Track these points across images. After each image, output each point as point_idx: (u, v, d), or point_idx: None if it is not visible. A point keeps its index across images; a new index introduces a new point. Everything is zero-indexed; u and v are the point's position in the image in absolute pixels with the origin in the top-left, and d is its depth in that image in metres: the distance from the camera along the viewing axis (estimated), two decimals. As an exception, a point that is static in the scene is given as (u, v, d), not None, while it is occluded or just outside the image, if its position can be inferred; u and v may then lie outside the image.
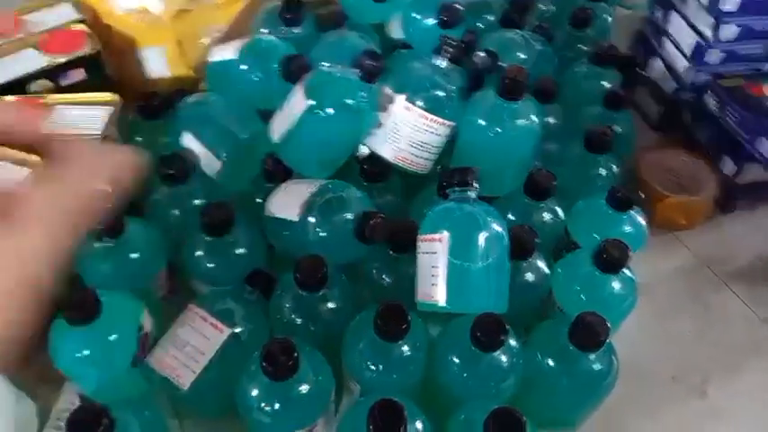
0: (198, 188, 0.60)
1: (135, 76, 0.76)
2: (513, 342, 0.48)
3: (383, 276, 0.55)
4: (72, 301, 0.46)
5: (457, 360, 0.48)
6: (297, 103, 0.57)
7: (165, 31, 0.71)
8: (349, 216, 0.54)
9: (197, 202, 0.61)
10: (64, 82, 0.61)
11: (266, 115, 0.63)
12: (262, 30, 0.71)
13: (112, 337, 0.48)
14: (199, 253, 0.56)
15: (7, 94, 0.56)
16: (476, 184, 0.51)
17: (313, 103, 0.56)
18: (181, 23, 0.72)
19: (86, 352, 0.47)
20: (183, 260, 0.58)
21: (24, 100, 0.56)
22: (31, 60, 0.61)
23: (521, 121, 0.58)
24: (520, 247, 0.52)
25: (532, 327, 0.53)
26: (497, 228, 0.49)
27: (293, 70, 0.60)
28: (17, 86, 0.58)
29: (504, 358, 0.47)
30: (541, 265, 0.56)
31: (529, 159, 0.62)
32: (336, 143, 0.59)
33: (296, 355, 0.43)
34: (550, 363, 0.49)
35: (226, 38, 0.75)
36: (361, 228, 0.52)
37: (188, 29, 0.74)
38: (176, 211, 0.60)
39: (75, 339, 0.48)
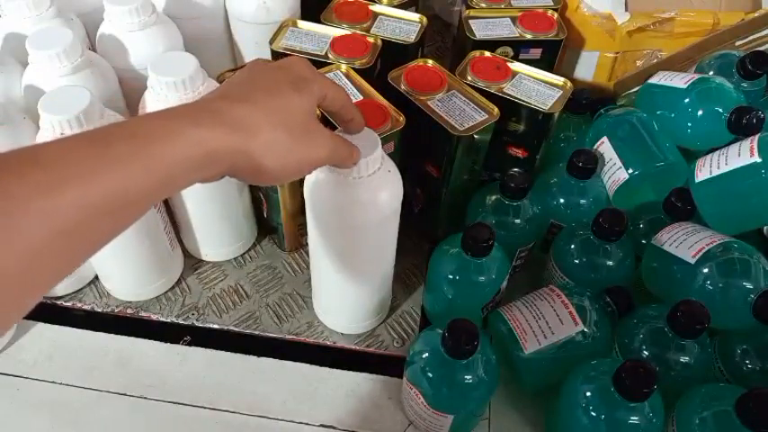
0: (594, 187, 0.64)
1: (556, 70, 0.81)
2: None
3: None
4: (478, 236, 0.53)
5: None
6: (739, 154, 0.55)
7: (615, 42, 0.74)
8: (748, 285, 0.51)
9: (583, 201, 0.64)
10: (522, 55, 0.69)
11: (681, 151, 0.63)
12: (710, 72, 0.69)
13: (491, 275, 0.55)
14: (574, 248, 0.59)
15: (480, 49, 0.65)
16: None
17: (760, 161, 0.54)
18: (631, 39, 0.74)
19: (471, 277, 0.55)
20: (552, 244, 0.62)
21: (492, 58, 0.65)
22: (505, 28, 0.69)
23: None
24: None
25: None
26: None
27: (745, 122, 0.58)
28: (488, 45, 0.67)
29: None
30: None
31: None
32: (761, 208, 0.55)
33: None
34: None
35: (662, 66, 0.75)
36: (763, 304, 0.49)
37: (633, 45, 0.76)
38: (561, 199, 0.64)
39: (456, 265, 0.55)
